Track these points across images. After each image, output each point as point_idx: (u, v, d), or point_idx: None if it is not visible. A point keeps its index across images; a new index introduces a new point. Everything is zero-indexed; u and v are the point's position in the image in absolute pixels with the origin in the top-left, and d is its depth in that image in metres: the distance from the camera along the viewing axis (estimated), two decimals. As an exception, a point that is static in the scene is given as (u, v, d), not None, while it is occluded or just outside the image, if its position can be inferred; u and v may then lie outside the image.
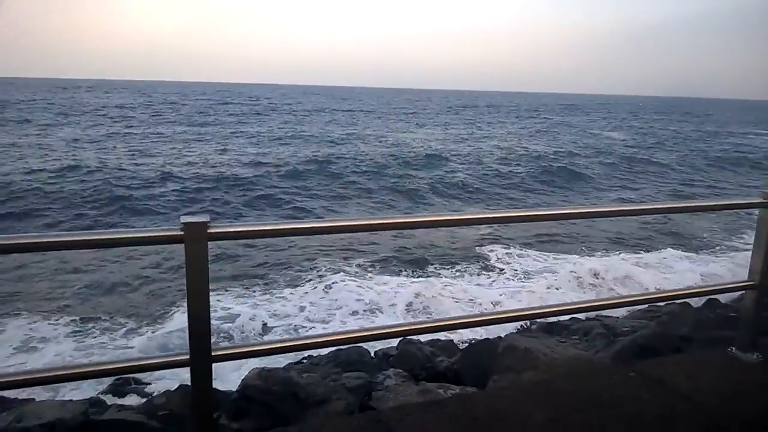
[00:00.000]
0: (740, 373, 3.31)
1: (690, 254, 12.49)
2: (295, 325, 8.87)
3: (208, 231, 2.01)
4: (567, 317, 8.55)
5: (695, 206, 3.44)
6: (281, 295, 9.97)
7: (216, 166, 24.12)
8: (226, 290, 10.08)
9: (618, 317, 8.84)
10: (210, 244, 2.06)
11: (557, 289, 10.30)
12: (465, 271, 11.42)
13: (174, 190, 19.45)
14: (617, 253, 12.71)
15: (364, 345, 7.06)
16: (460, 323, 3.13)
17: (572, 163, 28.85)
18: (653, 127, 65.13)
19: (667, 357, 3.89)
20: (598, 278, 10.58)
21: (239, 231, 2.17)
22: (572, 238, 14.14)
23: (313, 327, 8.80)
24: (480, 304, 9.55)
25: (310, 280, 10.69)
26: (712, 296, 6.74)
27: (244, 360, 5.12)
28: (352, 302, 9.37)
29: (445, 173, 24.92)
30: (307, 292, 10.03)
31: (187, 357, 2.08)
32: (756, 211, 3.37)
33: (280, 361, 6.96)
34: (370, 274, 10.99)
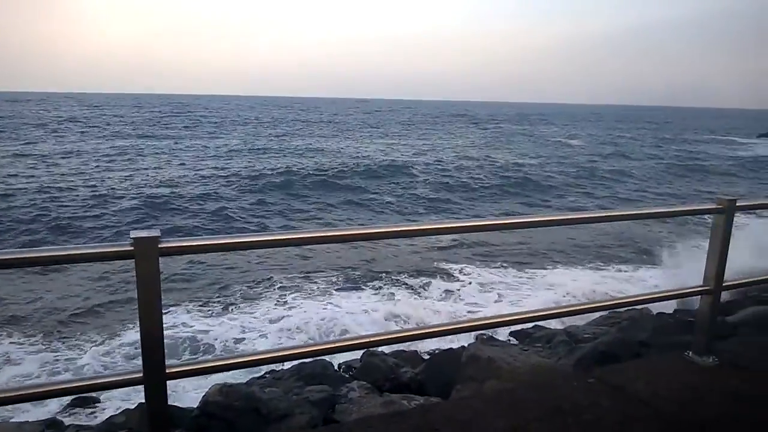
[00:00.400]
0: (697, 378, 3.37)
1: (646, 261, 12.76)
2: (255, 339, 8.70)
3: (160, 246, 1.95)
4: (530, 325, 8.64)
5: (651, 213, 3.51)
6: (241, 311, 9.78)
7: (167, 181, 23.39)
8: (184, 305, 9.84)
9: (579, 324, 8.97)
10: (164, 259, 2.00)
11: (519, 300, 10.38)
12: (428, 283, 11.40)
13: (120, 210, 18.45)
14: (580, 262, 12.85)
15: (327, 358, 6.99)
16: (423, 333, 3.10)
17: (532, 172, 29.28)
18: (611, 135, 67.00)
19: (626, 363, 3.95)
20: (558, 289, 10.77)
21: (191, 246, 2.11)
22: (530, 247, 14.27)
23: (276, 341, 8.66)
24: (443, 314, 9.55)
25: (270, 295, 10.51)
26: (668, 301, 6.88)
27: (205, 376, 5.01)
28: (313, 316, 9.26)
29: (405, 184, 24.92)
30: (266, 307, 9.85)
31: (140, 375, 2.00)
32: (709, 218, 3.46)
33: (242, 376, 6.83)
34: (331, 288, 10.88)
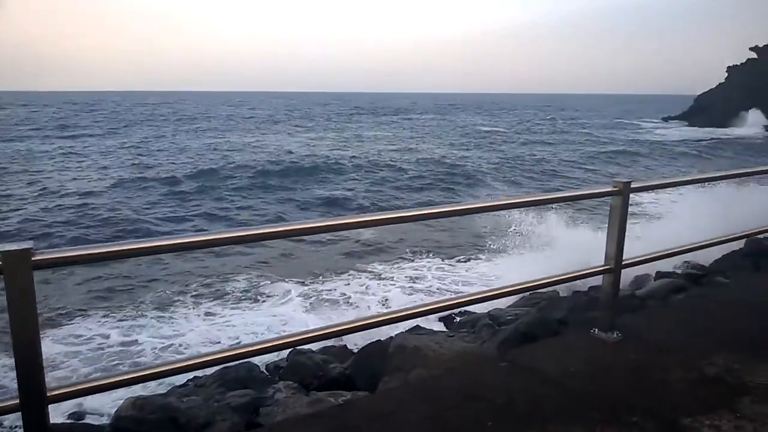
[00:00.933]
0: (602, 353, 3.52)
1: (562, 243, 13.20)
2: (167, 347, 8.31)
3: (33, 259, 1.80)
4: (456, 311, 8.78)
5: (553, 198, 3.61)
6: (149, 321, 9.29)
7: (62, 187, 21.88)
8: (88, 315, 9.29)
9: (502, 307, 9.22)
10: (42, 272, 1.86)
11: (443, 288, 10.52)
12: (352, 278, 11.33)
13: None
14: (501, 249, 13.08)
15: (253, 360, 6.84)
16: (350, 328, 3.05)
17: (458, 162, 29.62)
18: (530, 122, 69.46)
19: (537, 344, 4.08)
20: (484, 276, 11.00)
21: (70, 256, 1.97)
22: (453, 236, 14.46)
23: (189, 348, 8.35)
24: (372, 308, 9.56)
25: (184, 303, 10.08)
26: (575, 281, 7.18)
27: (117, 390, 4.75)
28: (235, 322, 9.00)
29: (328, 180, 24.57)
30: (184, 314, 9.45)
31: (17, 401, 1.85)
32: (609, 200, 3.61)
33: (162, 386, 6.58)
34: (250, 293, 10.58)
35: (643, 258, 3.96)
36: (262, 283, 10.91)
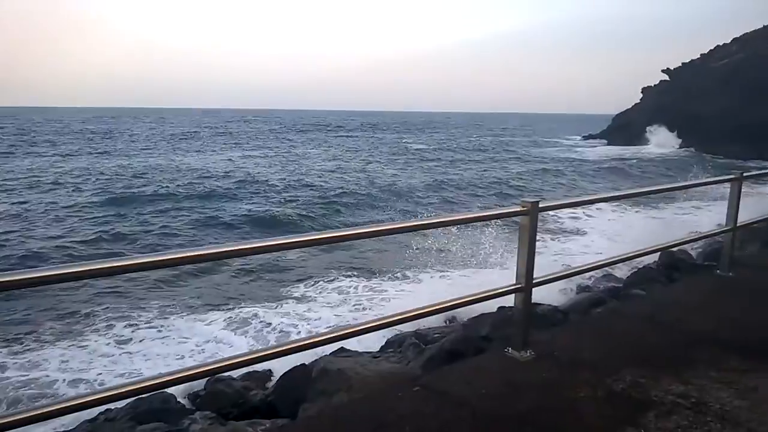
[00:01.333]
0: (514, 372, 3.52)
1: (482, 263, 13.41)
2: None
3: None
4: (381, 332, 8.69)
5: (462, 219, 3.61)
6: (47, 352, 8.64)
7: None
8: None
9: (430, 326, 9.22)
10: None
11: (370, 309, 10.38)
12: (279, 302, 10.98)
13: None
14: (423, 269, 13.02)
15: (170, 390, 6.51)
16: (273, 353, 2.90)
17: (385, 182, 29.34)
18: (455, 141, 71.10)
19: (453, 365, 4.05)
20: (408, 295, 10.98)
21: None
22: (376, 256, 14.29)
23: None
24: (297, 331, 9.30)
25: (94, 329, 9.45)
26: (487, 302, 7.28)
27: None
28: (155, 348, 8.52)
29: (252, 199, 23.63)
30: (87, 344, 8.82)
31: None
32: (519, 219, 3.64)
33: (72, 420, 6.14)
34: (173, 317, 10.06)
35: (555, 276, 4.02)
36: (176, 310, 10.44)
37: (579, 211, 18.05)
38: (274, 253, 11.16)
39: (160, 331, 9.33)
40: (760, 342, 4.04)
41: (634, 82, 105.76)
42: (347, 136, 77.95)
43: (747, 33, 65.13)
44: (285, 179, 29.57)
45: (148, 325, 9.64)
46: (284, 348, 2.97)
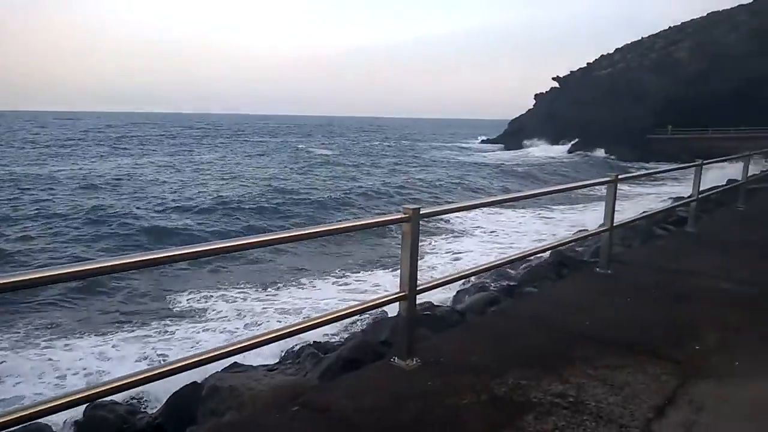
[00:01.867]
0: (399, 382, 3.44)
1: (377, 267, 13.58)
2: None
3: None
4: (275, 344, 8.41)
5: (344, 228, 3.50)
6: None
7: None
8: None
9: (330, 332, 9.08)
10: None
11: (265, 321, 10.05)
12: (164, 318, 10.33)
13: None
14: (320, 276, 12.84)
15: (43, 420, 5.94)
16: (158, 374, 2.62)
17: (289, 187, 28.84)
18: (360, 145, 71.60)
19: (334, 380, 3.94)
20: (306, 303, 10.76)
21: None
22: (268, 266, 13.93)
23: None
24: (185, 349, 8.80)
25: None
26: (372, 311, 7.27)
27: None
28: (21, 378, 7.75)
29: (146, 212, 22.20)
30: None
31: None
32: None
33: None
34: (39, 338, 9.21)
35: (440, 281, 3.99)
36: (49, 333, 9.59)
37: (476, 213, 18.56)
38: (159, 266, 10.55)
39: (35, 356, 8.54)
40: (632, 337, 4.23)
41: (535, 88, 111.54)
42: (247, 141, 76.31)
43: (627, 44, 70.39)
44: (174, 189, 28.29)
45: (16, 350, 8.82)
46: (170, 368, 2.72)
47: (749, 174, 11.13)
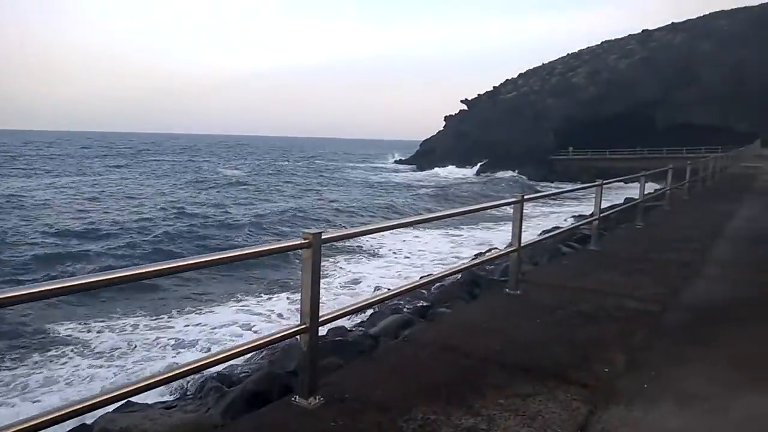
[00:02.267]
0: (300, 425, 3.13)
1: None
2: None
3: None
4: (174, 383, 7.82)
5: (241, 255, 3.18)
6: None
7: None
8: None
9: (236, 364, 8.56)
10: None
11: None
12: (40, 354, 9.37)
13: None
14: (218, 302, 12.29)
15: None
16: (35, 425, 2.14)
17: (198, 212, 27.47)
18: (271, 164, 70.65)
19: (235, 423, 3.57)
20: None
21: None
22: (160, 295, 13.16)
23: None
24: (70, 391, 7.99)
25: None
26: (270, 347, 6.94)
27: None
28: None
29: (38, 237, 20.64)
30: None
31: None
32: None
33: None
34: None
35: (344, 310, 3.73)
36: None
37: (383, 234, 18.35)
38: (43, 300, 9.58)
39: None
40: (539, 362, 4.13)
41: (446, 110, 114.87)
42: (155, 161, 73.31)
43: (529, 69, 73.99)
44: (76, 212, 26.46)
45: None
46: (47, 418, 2.24)
47: (645, 193, 11.71)
